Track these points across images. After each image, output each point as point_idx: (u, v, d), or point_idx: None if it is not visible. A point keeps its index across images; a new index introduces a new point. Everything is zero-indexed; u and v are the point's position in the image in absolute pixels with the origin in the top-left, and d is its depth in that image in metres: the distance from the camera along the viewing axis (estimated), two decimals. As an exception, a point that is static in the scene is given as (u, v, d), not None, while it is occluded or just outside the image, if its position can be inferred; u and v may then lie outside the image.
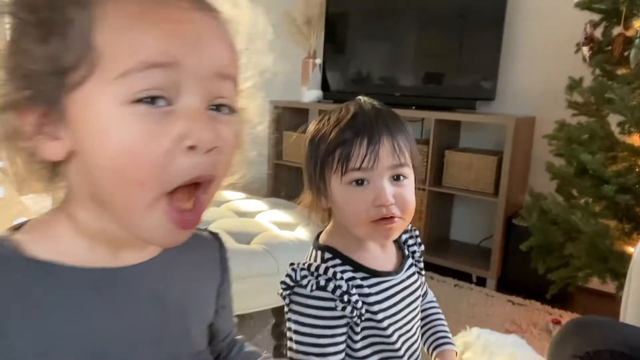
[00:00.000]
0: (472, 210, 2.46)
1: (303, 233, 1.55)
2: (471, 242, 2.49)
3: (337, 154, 0.66)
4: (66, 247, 0.42)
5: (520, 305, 1.96)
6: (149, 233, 0.40)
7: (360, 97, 0.72)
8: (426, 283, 0.83)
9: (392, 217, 0.66)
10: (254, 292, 1.27)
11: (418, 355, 0.76)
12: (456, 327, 1.72)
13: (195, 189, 0.40)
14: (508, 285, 2.12)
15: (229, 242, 1.33)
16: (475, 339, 1.23)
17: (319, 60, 2.83)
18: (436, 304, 0.87)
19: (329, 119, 0.69)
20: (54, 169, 0.42)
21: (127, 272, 0.44)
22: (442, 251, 2.37)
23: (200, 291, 0.52)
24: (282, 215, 1.72)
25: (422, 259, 0.80)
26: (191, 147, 0.37)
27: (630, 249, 1.51)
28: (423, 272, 0.79)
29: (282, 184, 2.96)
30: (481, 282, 2.18)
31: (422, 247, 0.80)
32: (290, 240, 1.46)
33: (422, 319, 0.81)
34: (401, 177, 0.67)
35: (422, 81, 2.49)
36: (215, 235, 0.57)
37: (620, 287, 1.37)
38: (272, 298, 1.32)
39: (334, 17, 2.75)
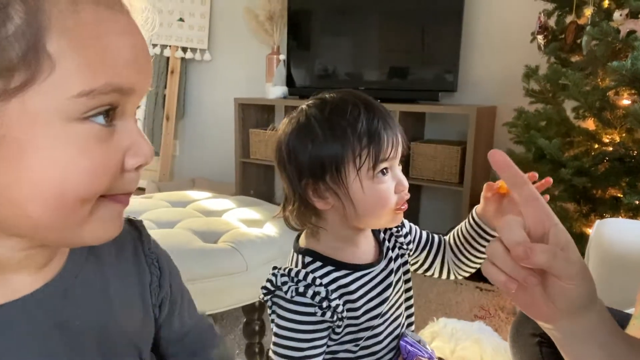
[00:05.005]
0: (439, 200, 2.50)
1: (271, 229, 1.54)
2: (439, 231, 2.50)
3: (368, 147, 0.65)
4: None
5: (488, 291, 2.01)
6: (94, 234, 0.37)
7: (344, 90, 0.69)
8: (428, 234, 0.85)
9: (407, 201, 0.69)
10: (223, 291, 1.26)
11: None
12: (427, 315, 1.75)
13: None
14: (476, 272, 2.16)
15: (196, 242, 1.31)
16: (442, 328, 1.26)
17: (283, 56, 2.81)
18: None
19: (320, 122, 0.65)
20: None
21: (20, 305, 0.38)
22: (411, 242, 2.40)
23: (121, 301, 0.45)
24: (250, 212, 1.70)
25: (402, 233, 0.79)
26: (140, 166, 0.37)
27: (588, 230, 1.56)
28: (405, 247, 0.79)
29: (251, 182, 2.94)
30: (450, 270, 2.21)
31: (405, 223, 0.80)
32: (258, 237, 1.45)
33: (452, 239, 0.84)
34: (400, 164, 0.70)
35: (387, 75, 2.51)
36: (133, 225, 0.50)
37: (580, 267, 1.41)
38: (243, 296, 1.32)
39: (296, 13, 2.74)
